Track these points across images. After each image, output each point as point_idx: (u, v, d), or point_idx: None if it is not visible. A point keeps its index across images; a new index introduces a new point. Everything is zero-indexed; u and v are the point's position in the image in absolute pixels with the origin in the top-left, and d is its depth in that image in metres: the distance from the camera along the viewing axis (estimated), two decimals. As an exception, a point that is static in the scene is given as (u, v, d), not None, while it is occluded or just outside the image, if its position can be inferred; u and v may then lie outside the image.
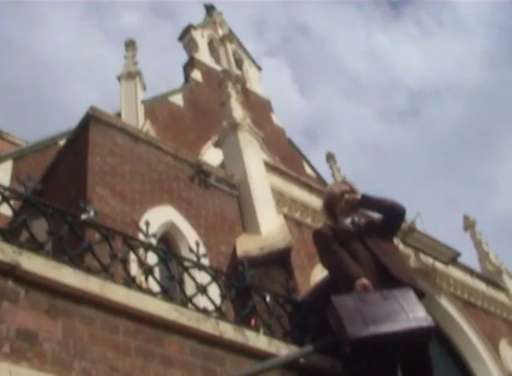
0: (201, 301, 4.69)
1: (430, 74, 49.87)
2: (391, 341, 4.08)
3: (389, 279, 4.50)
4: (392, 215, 4.94)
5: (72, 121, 9.46)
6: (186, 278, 4.87)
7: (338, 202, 5.01)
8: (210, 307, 4.56)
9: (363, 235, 4.83)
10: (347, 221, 5.03)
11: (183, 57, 19.21)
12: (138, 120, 13.45)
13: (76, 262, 3.98)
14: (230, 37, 21.02)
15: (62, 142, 11.26)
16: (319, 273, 8.85)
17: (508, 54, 50.13)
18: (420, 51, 52.14)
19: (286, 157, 17.33)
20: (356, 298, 4.24)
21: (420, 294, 4.53)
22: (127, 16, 51.25)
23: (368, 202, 4.96)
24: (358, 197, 4.96)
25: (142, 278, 4.51)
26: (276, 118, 19.46)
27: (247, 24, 51.50)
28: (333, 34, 52.33)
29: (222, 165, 10.71)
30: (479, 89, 47.30)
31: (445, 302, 12.23)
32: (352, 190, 5.06)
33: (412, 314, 4.16)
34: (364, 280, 4.36)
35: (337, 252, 4.65)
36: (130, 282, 4.20)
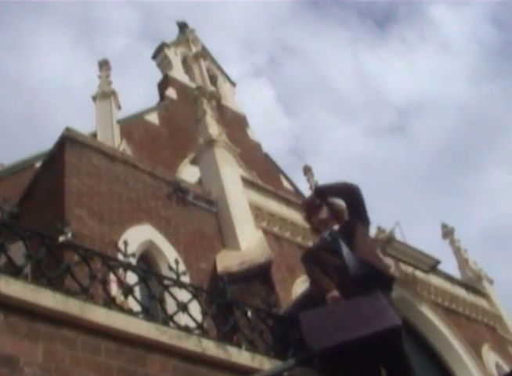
0: (183, 318, 4.68)
1: (416, 90, 50.48)
2: (360, 347, 4.11)
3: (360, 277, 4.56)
4: (347, 196, 4.99)
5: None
6: (167, 296, 4.87)
7: (311, 217, 5.10)
8: (192, 324, 4.56)
9: (334, 242, 4.88)
10: (326, 233, 5.08)
11: (158, 75, 19.26)
12: (114, 139, 13.40)
13: (55, 284, 3.96)
14: (203, 54, 21.06)
15: (38, 165, 11.19)
16: (300, 287, 8.88)
17: (490, 70, 50.95)
18: (406, 68, 52.80)
19: (263, 172, 17.36)
20: (323, 311, 4.32)
21: (391, 280, 4.66)
22: (116, 40, 51.42)
23: (323, 191, 5.04)
24: (316, 192, 5.08)
25: (123, 298, 4.50)
26: (252, 133, 19.51)
27: (234, 45, 51.99)
28: (320, 53, 52.80)
29: (200, 182, 10.73)
30: (463, 104, 47.95)
31: (426, 310, 12.30)
32: (316, 196, 5.15)
33: (378, 317, 4.21)
34: (334, 293, 4.42)
35: (312, 271, 4.73)
36: (110, 302, 4.19)
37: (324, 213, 5.03)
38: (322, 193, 5.03)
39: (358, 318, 4.18)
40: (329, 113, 52.30)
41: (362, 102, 50.06)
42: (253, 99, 43.39)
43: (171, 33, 22.42)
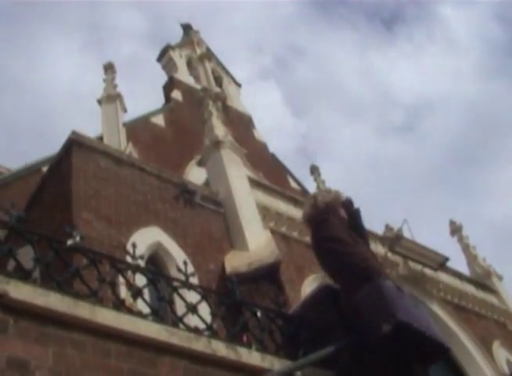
0: (192, 320, 4.68)
1: (424, 88, 50.47)
2: (419, 342, 4.12)
3: None
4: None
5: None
6: (176, 298, 4.86)
7: (338, 210, 5.12)
8: (202, 326, 4.55)
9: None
10: None
11: (163, 78, 19.28)
12: (120, 142, 13.42)
13: (64, 287, 3.97)
14: (208, 55, 21.07)
15: (45, 169, 11.21)
16: (309, 286, 8.87)
17: (498, 67, 50.87)
18: (413, 67, 52.85)
19: (270, 172, 17.35)
20: (397, 290, 4.31)
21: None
22: (123, 44, 51.59)
23: (355, 217, 5.11)
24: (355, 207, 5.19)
25: (132, 300, 4.50)
26: (258, 134, 19.52)
27: (242, 48, 52.14)
28: (328, 54, 52.85)
29: (207, 183, 10.73)
30: (471, 102, 47.91)
31: (436, 308, 12.27)
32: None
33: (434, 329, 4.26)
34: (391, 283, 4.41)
35: (360, 244, 4.67)
36: (119, 305, 4.19)
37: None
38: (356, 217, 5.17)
39: (427, 318, 4.22)
40: (337, 114, 52.36)
41: (371, 102, 50.09)
42: (261, 101, 43.52)
43: (178, 35, 22.47)
